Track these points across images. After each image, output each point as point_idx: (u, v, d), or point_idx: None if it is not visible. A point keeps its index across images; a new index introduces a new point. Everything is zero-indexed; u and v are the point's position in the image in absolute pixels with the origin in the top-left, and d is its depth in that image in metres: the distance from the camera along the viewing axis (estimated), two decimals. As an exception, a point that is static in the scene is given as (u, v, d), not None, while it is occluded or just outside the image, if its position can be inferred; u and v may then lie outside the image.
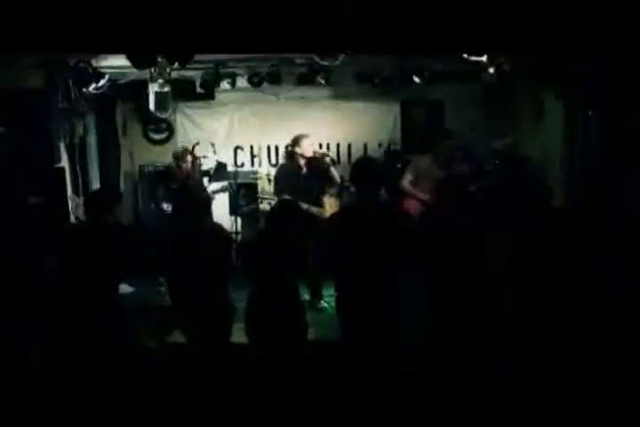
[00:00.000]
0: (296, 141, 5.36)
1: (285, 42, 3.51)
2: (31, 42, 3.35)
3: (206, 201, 4.36)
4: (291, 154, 5.47)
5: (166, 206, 5.88)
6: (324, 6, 3.24)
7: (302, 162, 5.33)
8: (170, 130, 7.77)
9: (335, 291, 3.72)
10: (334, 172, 5.46)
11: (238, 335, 4.11)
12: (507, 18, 3.34)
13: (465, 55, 4.63)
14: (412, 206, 5.59)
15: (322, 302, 5.45)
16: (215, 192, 6.27)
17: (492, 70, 5.93)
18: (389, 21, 3.33)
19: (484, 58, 5.18)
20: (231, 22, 3.29)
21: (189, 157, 6.15)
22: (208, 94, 6.92)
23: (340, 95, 7.58)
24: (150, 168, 7.19)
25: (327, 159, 5.43)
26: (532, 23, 3.36)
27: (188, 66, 5.72)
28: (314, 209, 5.32)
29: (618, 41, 3.41)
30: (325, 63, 5.95)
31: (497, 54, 5.58)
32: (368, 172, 3.64)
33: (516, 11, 3.33)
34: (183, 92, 6.67)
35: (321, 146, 7.73)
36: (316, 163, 5.36)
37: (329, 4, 3.25)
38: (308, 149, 5.30)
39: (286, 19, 3.29)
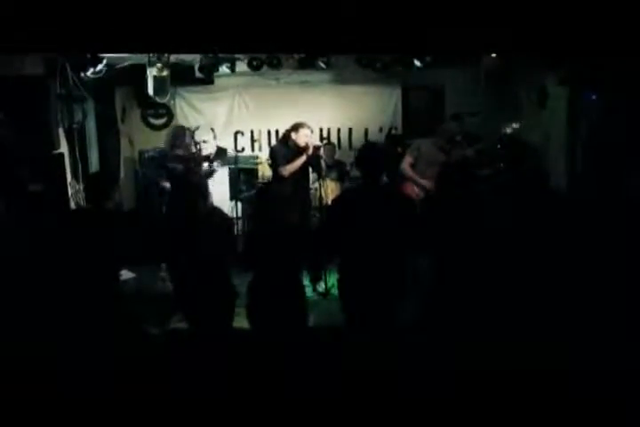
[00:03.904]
0: (294, 128, 5.41)
1: (284, 42, 3.48)
2: (31, 43, 3.32)
3: (203, 184, 4.36)
4: (286, 138, 5.50)
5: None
6: (323, 5, 3.20)
7: (301, 158, 5.36)
8: (169, 115, 7.73)
9: (338, 274, 3.74)
10: (323, 164, 5.53)
11: (239, 321, 4.15)
12: (507, 17, 3.31)
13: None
14: (410, 190, 5.58)
15: (322, 283, 5.47)
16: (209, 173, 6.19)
17: (493, 54, 5.89)
18: (389, 20, 3.29)
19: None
20: (229, 22, 3.26)
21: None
22: (207, 79, 6.87)
23: (340, 79, 7.54)
24: (150, 153, 7.16)
25: (321, 151, 5.45)
26: (532, 23, 3.34)
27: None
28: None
29: (618, 41, 3.38)
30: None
31: (498, 53, 5.55)
32: (373, 157, 3.67)
33: (516, 10, 3.29)
34: (182, 77, 6.62)
35: (321, 130, 7.74)
36: (313, 152, 5.38)
37: (328, 3, 3.21)
38: (302, 138, 5.36)
39: (285, 18, 3.26)
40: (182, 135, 6.01)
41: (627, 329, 3.56)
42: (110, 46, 3.90)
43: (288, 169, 5.32)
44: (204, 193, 4.26)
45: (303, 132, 5.37)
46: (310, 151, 5.30)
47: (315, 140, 5.55)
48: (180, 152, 5.89)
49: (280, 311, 3.74)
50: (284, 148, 5.48)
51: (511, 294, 3.72)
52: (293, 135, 5.39)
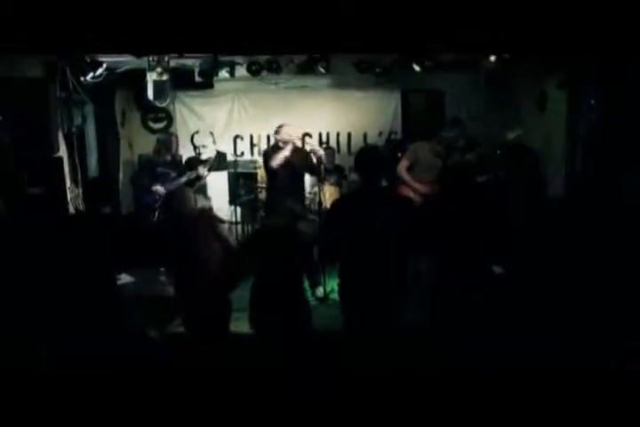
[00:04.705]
0: (276, 130, 5.55)
1: (284, 42, 3.49)
2: (31, 43, 3.33)
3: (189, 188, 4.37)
4: (274, 143, 5.62)
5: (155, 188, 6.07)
6: (322, 5, 3.21)
7: (285, 150, 5.38)
8: (169, 119, 7.75)
9: (339, 278, 3.72)
10: (322, 168, 5.53)
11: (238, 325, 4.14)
12: (506, 18, 3.32)
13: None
14: (405, 194, 5.57)
15: (321, 289, 5.46)
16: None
17: (492, 58, 5.90)
18: (389, 20, 3.30)
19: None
20: (229, 23, 3.26)
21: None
22: (207, 83, 6.89)
23: (340, 84, 7.55)
24: (143, 157, 7.14)
25: (319, 153, 5.44)
26: (532, 23, 3.34)
27: (186, 54, 5.72)
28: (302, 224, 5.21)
29: (617, 41, 3.39)
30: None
31: (497, 54, 5.56)
32: (372, 159, 3.66)
33: (515, 11, 3.30)
34: (182, 81, 6.64)
35: (321, 135, 7.75)
36: (303, 155, 5.41)
37: (328, 3, 3.22)
38: (284, 135, 5.46)
39: (285, 18, 3.26)
40: (169, 141, 6.32)
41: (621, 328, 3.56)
42: (110, 47, 3.90)
43: (275, 160, 5.36)
44: (191, 196, 4.25)
45: (284, 130, 5.48)
46: (298, 143, 5.36)
47: (314, 145, 5.56)
48: (167, 157, 6.22)
49: (282, 314, 3.74)
50: (275, 150, 5.55)
51: (511, 295, 3.72)
52: (277, 136, 5.50)
